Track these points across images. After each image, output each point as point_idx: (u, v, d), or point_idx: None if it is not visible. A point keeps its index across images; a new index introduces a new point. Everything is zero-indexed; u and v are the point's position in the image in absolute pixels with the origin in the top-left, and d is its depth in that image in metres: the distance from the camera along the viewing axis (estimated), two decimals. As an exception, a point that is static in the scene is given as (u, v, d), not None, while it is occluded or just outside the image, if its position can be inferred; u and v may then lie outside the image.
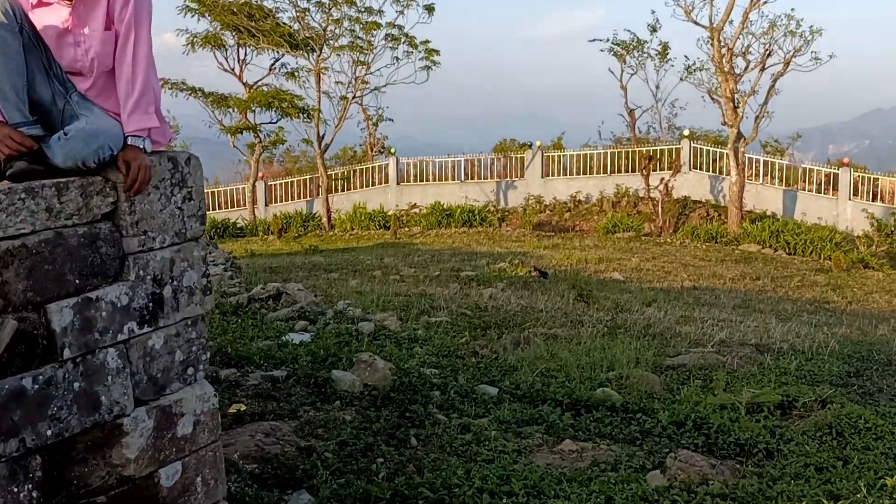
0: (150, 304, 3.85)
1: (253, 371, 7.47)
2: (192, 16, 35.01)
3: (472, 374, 7.66)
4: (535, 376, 7.69)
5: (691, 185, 31.74)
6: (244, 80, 36.81)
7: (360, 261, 21.21)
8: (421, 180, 36.54)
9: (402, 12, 33.92)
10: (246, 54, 36.67)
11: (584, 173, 34.55)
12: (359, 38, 34.84)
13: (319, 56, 34.30)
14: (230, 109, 35.83)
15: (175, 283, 4.00)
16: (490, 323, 10.69)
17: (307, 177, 37.83)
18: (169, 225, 3.95)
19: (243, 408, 6.64)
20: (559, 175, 35.14)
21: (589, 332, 10.24)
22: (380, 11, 34.12)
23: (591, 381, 7.68)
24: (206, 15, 35.00)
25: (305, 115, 34.38)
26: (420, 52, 35.03)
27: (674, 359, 8.81)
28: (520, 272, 17.89)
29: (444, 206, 32.92)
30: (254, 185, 36.74)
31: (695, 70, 32.66)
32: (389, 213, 33.48)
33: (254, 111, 35.52)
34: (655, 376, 7.87)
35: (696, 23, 29.27)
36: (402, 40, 34.80)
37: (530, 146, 36.83)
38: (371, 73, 35.47)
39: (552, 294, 14.07)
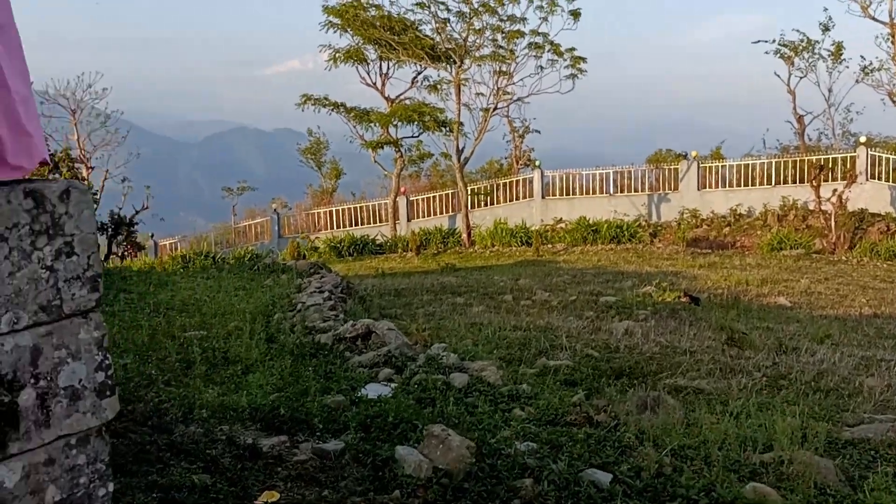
0: (-9, 421, 2.45)
1: (305, 440, 6.06)
2: (335, 31, 34.58)
3: (579, 451, 5.95)
4: (663, 456, 5.92)
5: (869, 196, 28.52)
6: (386, 94, 36.12)
7: (494, 282, 19.68)
8: (567, 194, 34.75)
9: (545, 19, 32.29)
10: (388, 68, 35.98)
11: (746, 185, 31.83)
12: (501, 47, 33.43)
13: (460, 67, 33.09)
14: (372, 124, 35.15)
15: (43, 383, 2.58)
16: (618, 369, 8.92)
17: (449, 191, 36.71)
18: (27, 296, 2.54)
19: (276, 497, 5.23)
20: (717, 187, 32.55)
21: (742, 385, 8.31)
22: (523, 19, 32.61)
23: (740, 467, 5.82)
24: (348, 30, 34.52)
25: (446, 129, 33.25)
26: (565, 59, 33.27)
27: (854, 430, 6.77)
28: (667, 298, 15.88)
29: (591, 222, 30.94)
30: (395, 201, 35.94)
31: (873, 70, 29.57)
32: (532, 228, 31.81)
33: (395, 125, 34.73)
34: (828, 461, 5.91)
35: (873, 18, 26.28)
36: (547, 48, 33.14)
37: (685, 156, 34.34)
38: (513, 84, 33.96)
39: (701, 327, 12.10)
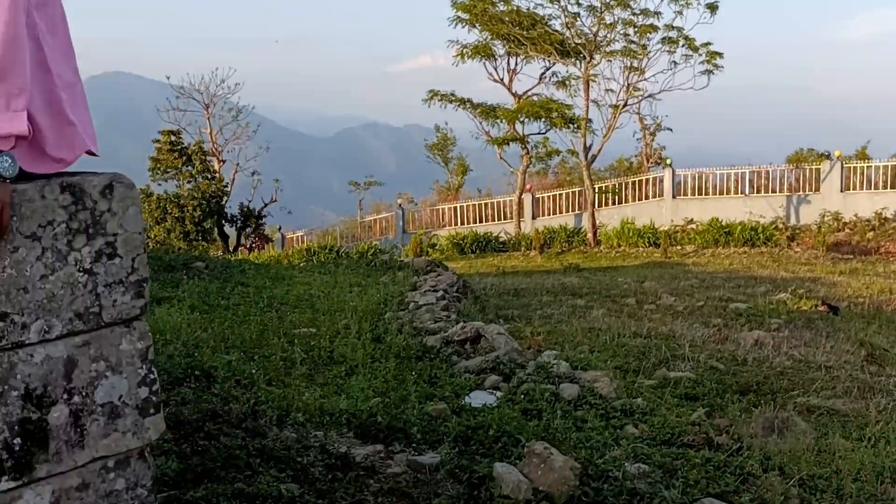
0: (17, 441, 2.21)
1: (401, 451, 5.77)
2: (463, 26, 34.40)
3: (695, 478, 5.42)
4: (790, 487, 5.33)
5: None
6: (513, 91, 35.71)
7: (617, 284, 19.02)
8: (699, 194, 33.51)
9: (680, 13, 31.16)
10: (516, 64, 35.56)
11: (893, 187, 29.87)
12: (632, 42, 32.47)
13: (589, 63, 32.33)
14: (498, 120, 34.80)
15: (77, 399, 2.34)
16: (745, 385, 8.27)
17: (576, 189, 35.99)
18: (61, 302, 2.29)
19: (364, 513, 4.96)
20: (862, 189, 30.71)
21: (881, 407, 7.56)
22: (656, 13, 31.56)
23: (877, 502, 5.19)
24: (476, 25, 34.27)
25: (574, 126, 32.58)
26: (700, 55, 32.02)
27: None
28: (803, 306, 14.90)
29: (723, 223, 29.66)
30: (520, 198, 35.49)
31: None
32: (661, 229, 30.76)
33: (522, 122, 34.28)
34: (983, 503, 5.20)
35: None
36: (681, 43, 31.98)
37: (828, 156, 32.58)
38: (644, 80, 32.95)
39: (839, 340, 11.21)
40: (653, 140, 40.78)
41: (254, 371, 7.39)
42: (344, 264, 17.17)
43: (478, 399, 7.01)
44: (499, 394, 7.15)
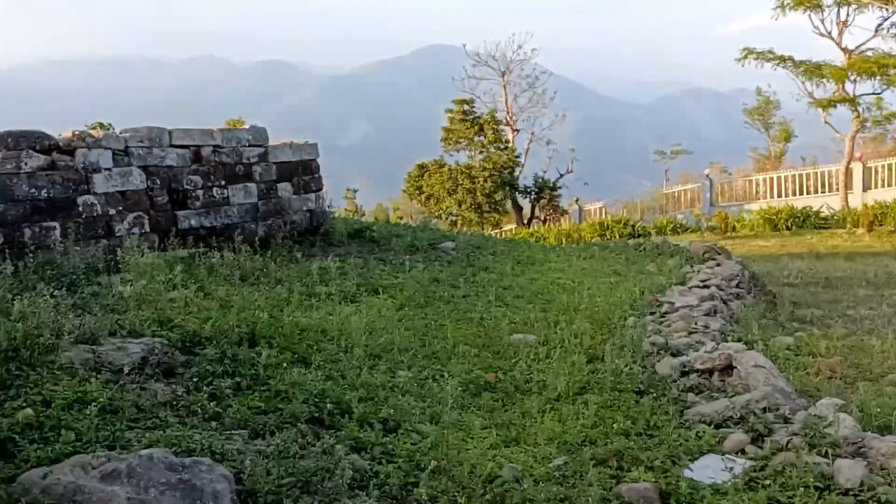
0: None
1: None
2: (784, -26, 30.36)
3: None
4: None
5: None
6: (842, 45, 31.03)
7: (968, 277, 15.17)
8: None
9: None
10: (847, 14, 30.81)
11: None
12: None
13: (939, 6, 27.04)
14: (823, 80, 30.41)
15: None
16: None
17: (919, 157, 30.65)
18: None
19: None
20: None
21: None
22: None
23: None
24: (800, -28, 30.07)
25: (917, 83, 27.57)
26: None
27: None
28: None
29: None
30: (847, 167, 30.85)
31: None
32: None
33: (852, 81, 29.67)
34: None
35: None
36: None
37: None
38: None
39: None
40: None
41: (413, 407, 5.72)
42: (610, 247, 15.03)
43: (706, 471, 4.82)
44: (741, 463, 4.90)
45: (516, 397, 6.24)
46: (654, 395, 6.12)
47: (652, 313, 8.87)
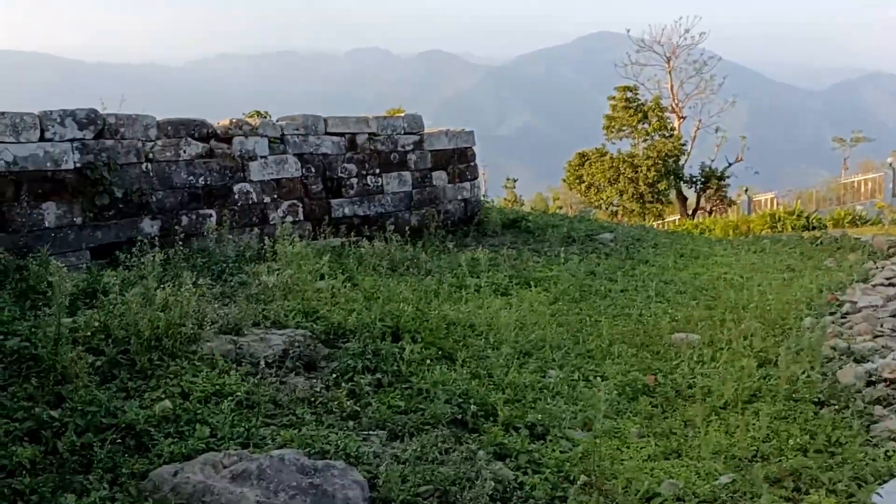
0: None
1: None
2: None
3: None
4: None
5: None
6: None
7: None
8: None
9: None
10: None
11: None
12: None
13: None
14: None
15: None
16: None
17: None
18: None
19: None
20: None
21: None
22: None
23: None
24: None
25: None
26: None
27: None
28: None
29: None
30: None
31: None
32: None
33: None
34: None
35: None
36: None
37: None
38: None
39: None
40: None
41: (564, 411, 5.31)
42: (782, 240, 13.98)
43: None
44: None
45: (677, 403, 5.71)
46: (836, 406, 5.45)
47: (832, 313, 8.06)
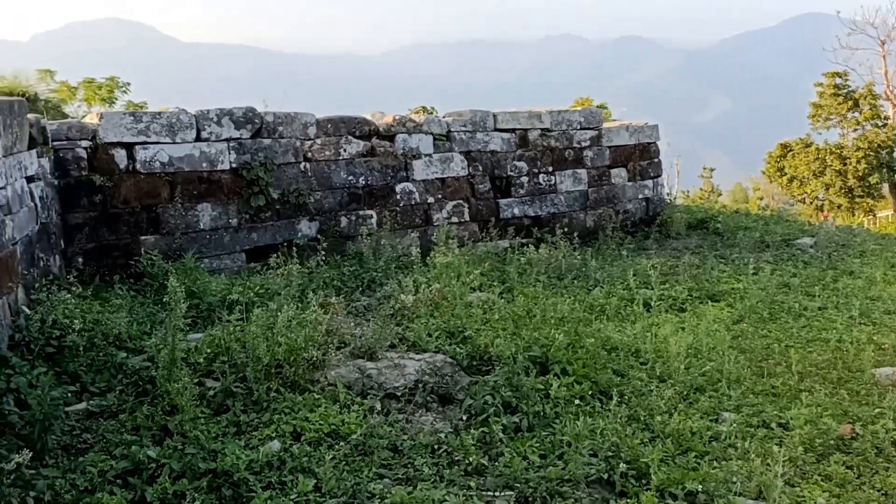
0: None
1: None
2: None
3: None
4: None
5: None
6: None
7: None
8: None
9: None
10: None
11: None
12: None
13: None
14: None
15: None
16: None
17: None
18: None
19: None
20: None
21: None
22: None
23: None
24: None
25: None
26: None
27: None
28: None
29: None
30: None
31: None
32: None
33: None
34: None
35: None
36: None
37: None
38: None
39: None
40: None
41: (734, 474, 4.43)
42: None
43: None
44: None
45: (878, 465, 4.70)
46: None
47: None
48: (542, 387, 5.17)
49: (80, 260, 7.74)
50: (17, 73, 13.40)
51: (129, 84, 18.38)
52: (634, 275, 8.76)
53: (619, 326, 7.03)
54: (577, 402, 5.05)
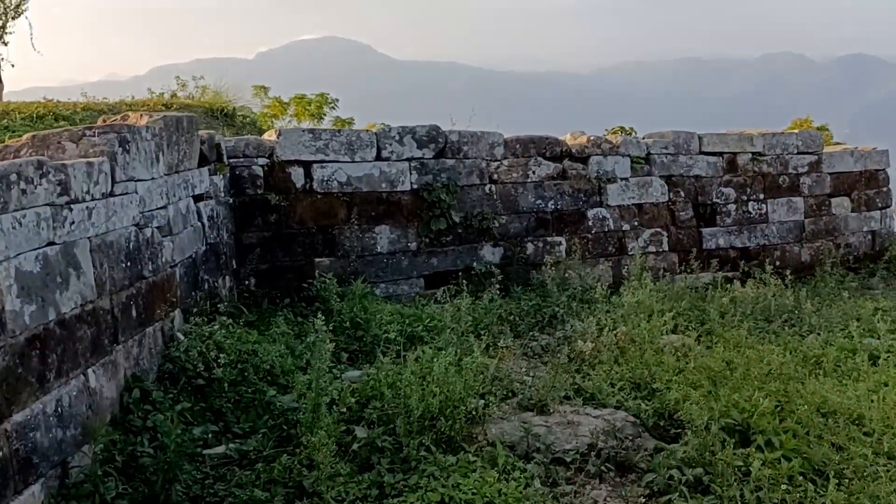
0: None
1: None
2: None
3: None
4: None
5: None
6: None
7: None
8: None
9: None
10: None
11: None
12: None
13: None
14: None
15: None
16: None
17: None
18: None
19: None
20: None
21: None
22: None
23: None
24: None
25: None
26: None
27: None
28: None
29: None
30: None
31: None
32: None
33: None
34: None
35: None
36: None
37: None
38: None
39: None
40: None
41: None
42: None
43: None
44: None
45: None
46: None
47: None
48: (742, 463, 4.31)
49: (253, 281, 7.58)
50: (219, 89, 13.75)
51: (337, 100, 18.62)
52: (858, 320, 7.60)
53: (837, 385, 5.98)
54: (783, 485, 4.17)
